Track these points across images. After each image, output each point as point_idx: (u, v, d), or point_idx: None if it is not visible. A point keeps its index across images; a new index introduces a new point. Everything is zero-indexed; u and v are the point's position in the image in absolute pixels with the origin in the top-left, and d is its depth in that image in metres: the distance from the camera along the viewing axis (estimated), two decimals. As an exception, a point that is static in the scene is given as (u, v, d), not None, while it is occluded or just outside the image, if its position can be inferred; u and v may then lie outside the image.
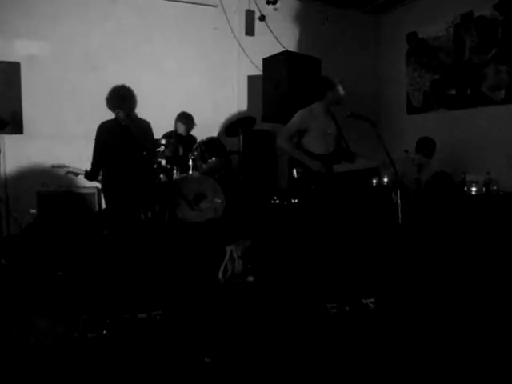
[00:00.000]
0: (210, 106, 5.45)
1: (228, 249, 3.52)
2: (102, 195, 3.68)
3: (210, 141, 4.52)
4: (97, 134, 3.36)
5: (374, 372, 2.20)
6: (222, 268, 3.46)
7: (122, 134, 3.33)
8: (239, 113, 5.50)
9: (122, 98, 3.40)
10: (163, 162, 4.45)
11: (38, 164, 4.63)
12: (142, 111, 4.52)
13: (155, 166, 3.56)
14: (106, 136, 3.33)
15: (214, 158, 4.41)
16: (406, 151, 4.64)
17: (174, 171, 4.38)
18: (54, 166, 4.14)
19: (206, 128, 5.38)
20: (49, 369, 2.19)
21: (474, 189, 4.22)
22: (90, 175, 3.48)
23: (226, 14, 5.47)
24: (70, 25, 4.79)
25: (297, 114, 3.51)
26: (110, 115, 3.43)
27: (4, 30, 4.54)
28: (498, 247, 3.70)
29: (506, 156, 4.63)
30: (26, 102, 4.44)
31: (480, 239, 3.79)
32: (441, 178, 4.66)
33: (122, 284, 3.19)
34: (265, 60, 5.16)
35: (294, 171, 3.41)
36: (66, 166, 4.07)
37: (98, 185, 3.84)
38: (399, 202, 3.11)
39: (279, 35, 5.67)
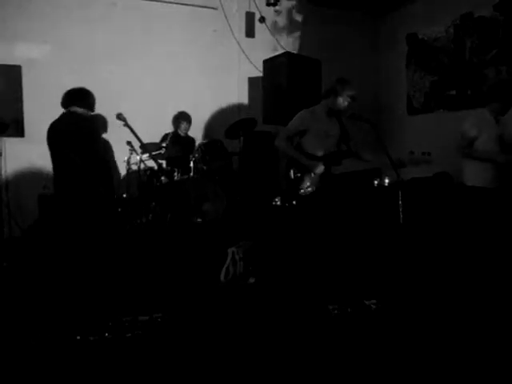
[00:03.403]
0: (210, 107, 5.46)
1: (230, 251, 3.52)
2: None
3: (210, 142, 4.54)
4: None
5: (375, 373, 2.19)
6: (224, 270, 3.46)
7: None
8: (240, 114, 5.50)
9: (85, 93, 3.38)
10: (164, 163, 4.47)
11: (39, 167, 4.63)
12: (142, 113, 4.54)
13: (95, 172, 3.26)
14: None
15: (215, 160, 4.42)
16: (412, 152, 4.43)
17: (175, 173, 4.39)
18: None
19: (207, 130, 5.40)
20: (51, 371, 2.19)
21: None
22: None
23: (226, 15, 5.48)
24: (70, 28, 4.80)
25: (297, 115, 3.50)
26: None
27: (5, 34, 4.55)
28: (499, 248, 3.69)
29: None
30: (27, 105, 4.45)
31: (481, 239, 3.79)
32: (442, 178, 4.66)
33: (123, 286, 3.19)
34: (265, 62, 5.17)
35: (291, 173, 3.40)
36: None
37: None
38: (400, 202, 3.11)
39: (279, 37, 5.68)
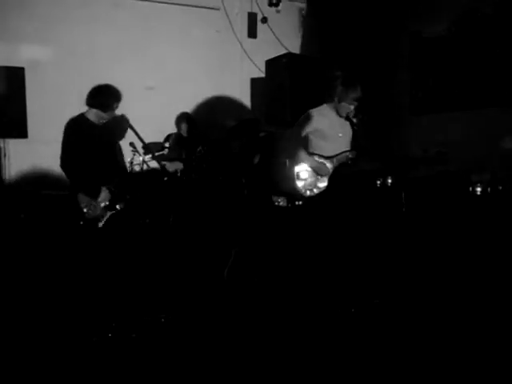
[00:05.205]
0: (212, 108, 5.46)
1: (233, 251, 3.52)
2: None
3: (213, 143, 4.54)
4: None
5: (375, 373, 2.19)
6: (227, 270, 3.47)
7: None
8: (242, 115, 5.50)
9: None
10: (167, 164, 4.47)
11: (43, 168, 4.64)
12: (144, 114, 4.51)
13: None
14: None
15: (217, 160, 4.43)
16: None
17: (177, 174, 4.39)
18: None
19: (209, 130, 5.40)
20: (54, 371, 2.20)
21: (478, 189, 4.20)
22: None
23: (228, 16, 5.49)
24: (73, 29, 4.81)
25: (304, 115, 3.42)
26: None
27: (8, 36, 4.56)
28: (503, 247, 3.68)
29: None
30: (30, 106, 4.46)
31: (485, 239, 3.77)
32: (445, 177, 4.64)
33: (127, 287, 3.19)
34: (267, 62, 5.17)
35: (300, 174, 3.38)
36: None
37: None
38: (403, 201, 3.10)
39: (282, 37, 5.68)
